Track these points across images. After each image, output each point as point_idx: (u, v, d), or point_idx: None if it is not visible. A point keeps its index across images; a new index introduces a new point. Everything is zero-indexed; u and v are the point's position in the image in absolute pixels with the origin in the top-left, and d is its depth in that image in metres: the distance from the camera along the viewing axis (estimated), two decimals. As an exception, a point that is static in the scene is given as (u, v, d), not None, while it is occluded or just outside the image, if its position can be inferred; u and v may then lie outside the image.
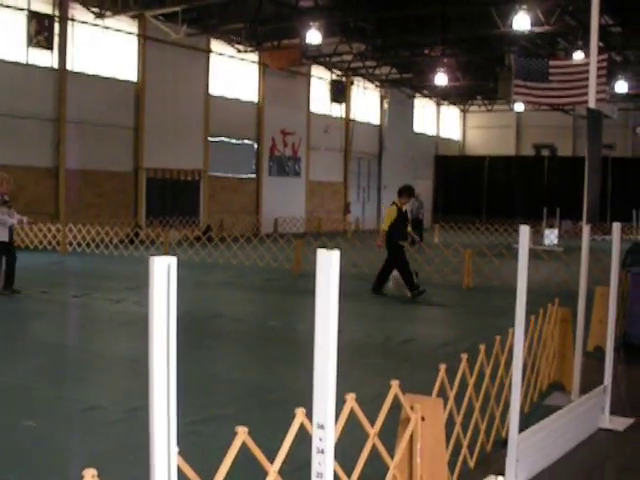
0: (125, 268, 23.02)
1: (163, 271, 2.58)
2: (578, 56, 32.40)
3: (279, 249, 25.57)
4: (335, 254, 3.17)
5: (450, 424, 5.90)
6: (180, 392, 2.64)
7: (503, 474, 6.13)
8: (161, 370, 2.58)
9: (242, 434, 3.58)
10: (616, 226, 8.22)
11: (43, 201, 32.60)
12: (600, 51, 8.98)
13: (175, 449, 2.70)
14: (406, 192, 18.67)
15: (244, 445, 3.62)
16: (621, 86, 45.24)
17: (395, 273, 18.63)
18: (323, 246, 18.79)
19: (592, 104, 8.52)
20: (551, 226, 41.63)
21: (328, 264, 3.16)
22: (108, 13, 33.60)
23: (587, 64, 9.06)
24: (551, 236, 38.51)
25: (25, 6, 31.59)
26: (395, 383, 4.74)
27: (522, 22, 31.92)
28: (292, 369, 10.57)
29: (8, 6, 31.09)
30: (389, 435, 4.92)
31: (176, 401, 2.65)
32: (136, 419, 7.68)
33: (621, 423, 8.11)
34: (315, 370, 3.26)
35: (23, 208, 31.13)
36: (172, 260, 2.61)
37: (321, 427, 3.28)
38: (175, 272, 2.59)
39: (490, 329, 9.43)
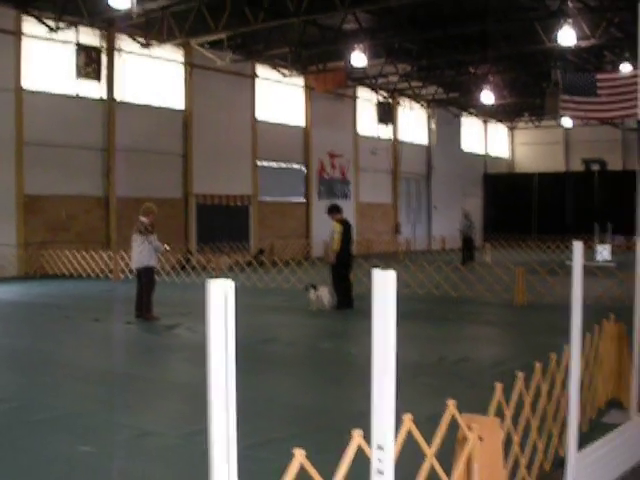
0: (177, 294, 23.11)
1: (220, 295, 2.59)
2: (626, 68, 32.11)
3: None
4: (391, 274, 3.17)
5: (507, 443, 5.85)
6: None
7: (563, 493, 6.06)
8: (220, 395, 2.59)
9: (299, 456, 3.57)
10: (670, 240, 8.12)
11: (94, 229, 33.01)
12: (648, 63, 8.92)
13: (235, 474, 2.71)
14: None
15: (301, 467, 3.61)
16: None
17: None
18: (376, 266, 18.67)
19: (642, 117, 8.45)
20: (603, 242, 41.21)
21: (384, 284, 3.15)
22: (154, 42, 34.03)
23: (635, 76, 9.01)
24: (604, 252, 38.06)
25: (73, 39, 32.16)
26: (452, 403, 4.72)
27: (567, 36, 31.67)
28: (346, 391, 10.55)
29: (57, 40, 31.63)
30: (446, 455, 4.89)
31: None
32: (192, 444, 7.71)
33: (682, 439, 7.98)
34: (373, 391, 3.25)
35: (75, 237, 31.66)
36: (230, 284, 2.62)
37: (380, 448, 3.27)
38: (233, 296, 2.60)
39: (544, 347, 9.33)
